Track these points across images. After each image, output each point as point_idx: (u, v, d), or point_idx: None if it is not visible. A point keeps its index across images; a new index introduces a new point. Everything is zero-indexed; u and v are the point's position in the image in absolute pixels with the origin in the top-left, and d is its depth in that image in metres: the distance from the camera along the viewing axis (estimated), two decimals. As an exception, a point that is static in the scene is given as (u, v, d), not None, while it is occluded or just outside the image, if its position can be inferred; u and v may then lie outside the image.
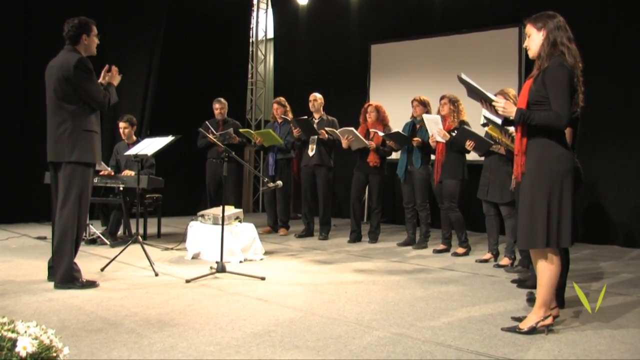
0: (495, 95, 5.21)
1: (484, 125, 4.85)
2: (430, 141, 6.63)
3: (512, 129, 4.57)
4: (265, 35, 12.67)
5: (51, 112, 4.66)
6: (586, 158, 5.61)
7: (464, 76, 3.76)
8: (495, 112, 3.73)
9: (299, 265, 5.88)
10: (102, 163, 6.56)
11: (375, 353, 3.16)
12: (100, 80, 4.80)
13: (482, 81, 3.83)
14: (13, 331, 2.03)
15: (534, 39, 3.56)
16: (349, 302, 4.33)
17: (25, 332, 2.04)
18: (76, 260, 4.62)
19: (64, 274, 4.52)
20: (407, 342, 3.37)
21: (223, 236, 5.26)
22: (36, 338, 2.04)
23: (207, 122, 7.81)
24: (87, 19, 4.74)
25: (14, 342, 1.98)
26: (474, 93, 3.81)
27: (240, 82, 11.89)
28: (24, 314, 3.72)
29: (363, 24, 10.56)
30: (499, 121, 3.98)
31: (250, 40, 12.35)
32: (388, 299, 4.44)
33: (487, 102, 3.76)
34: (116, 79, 4.92)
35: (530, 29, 3.58)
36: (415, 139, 6.83)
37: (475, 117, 6.41)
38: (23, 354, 1.97)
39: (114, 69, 4.92)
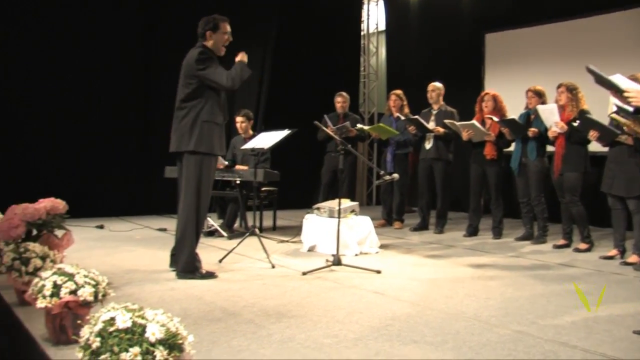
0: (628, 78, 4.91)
1: (615, 113, 4.59)
2: (549, 134, 6.33)
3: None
4: (377, 27, 12.57)
5: (176, 107, 4.84)
6: None
7: (592, 67, 3.56)
8: (627, 102, 3.51)
9: (414, 259, 5.79)
10: (219, 157, 6.72)
11: (495, 351, 3.05)
12: None
13: (605, 68, 3.59)
14: (143, 318, 2.10)
15: None
16: (467, 297, 4.22)
17: (153, 319, 2.11)
18: (196, 251, 4.75)
19: (186, 264, 4.66)
20: (529, 340, 3.23)
21: (339, 229, 5.26)
22: (163, 325, 2.10)
23: (325, 116, 7.82)
24: (217, 16, 4.87)
25: (144, 328, 2.05)
26: (603, 82, 3.60)
27: (353, 75, 11.86)
28: (148, 302, 3.85)
29: (476, 13, 10.18)
30: (630, 109, 3.74)
31: (362, 33, 12.32)
32: (507, 295, 4.29)
33: (618, 93, 3.54)
34: (243, 57, 4.91)
35: None
36: (532, 129, 6.53)
37: (597, 104, 6.07)
38: (152, 339, 2.03)
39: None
